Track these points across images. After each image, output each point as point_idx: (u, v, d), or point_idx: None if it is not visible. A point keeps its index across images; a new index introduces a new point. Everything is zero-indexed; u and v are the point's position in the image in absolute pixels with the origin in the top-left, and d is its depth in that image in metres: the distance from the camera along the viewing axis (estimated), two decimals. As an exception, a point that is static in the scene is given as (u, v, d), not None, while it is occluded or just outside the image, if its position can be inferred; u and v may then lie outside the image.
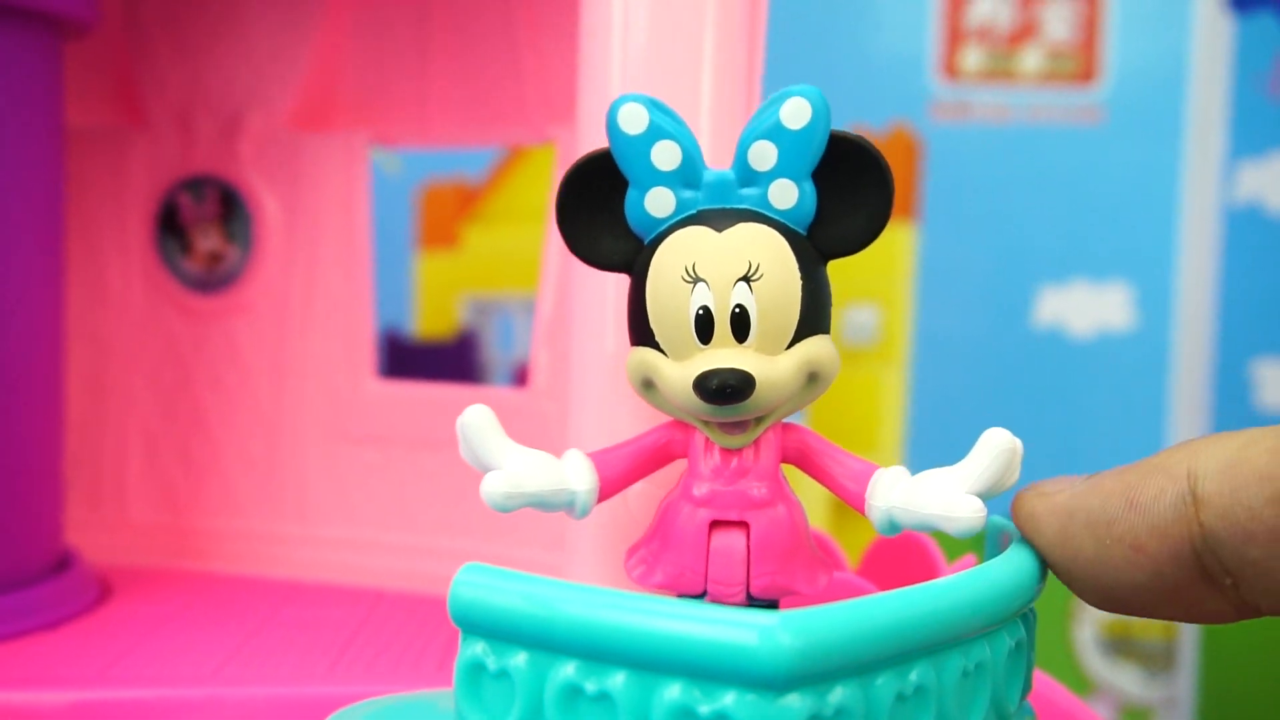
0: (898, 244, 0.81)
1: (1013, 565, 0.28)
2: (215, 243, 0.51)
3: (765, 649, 0.23)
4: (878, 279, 0.82)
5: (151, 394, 0.52)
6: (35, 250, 0.42)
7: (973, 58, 0.76)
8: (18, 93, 0.40)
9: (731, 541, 0.29)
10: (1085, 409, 0.84)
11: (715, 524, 0.29)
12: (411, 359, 0.86)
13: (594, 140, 0.32)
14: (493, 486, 0.29)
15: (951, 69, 0.76)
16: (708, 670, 0.23)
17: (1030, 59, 0.75)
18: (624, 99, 0.29)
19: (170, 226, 0.51)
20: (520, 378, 0.83)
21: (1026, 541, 0.28)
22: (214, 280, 0.51)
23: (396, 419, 0.49)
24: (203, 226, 0.51)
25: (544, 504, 0.30)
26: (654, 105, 0.29)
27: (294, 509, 0.51)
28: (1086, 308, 0.79)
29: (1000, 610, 0.27)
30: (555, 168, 0.46)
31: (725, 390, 0.27)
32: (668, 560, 0.30)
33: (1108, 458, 0.78)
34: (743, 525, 0.29)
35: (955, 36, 0.74)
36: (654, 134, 0.28)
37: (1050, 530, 0.27)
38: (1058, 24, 0.75)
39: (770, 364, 0.28)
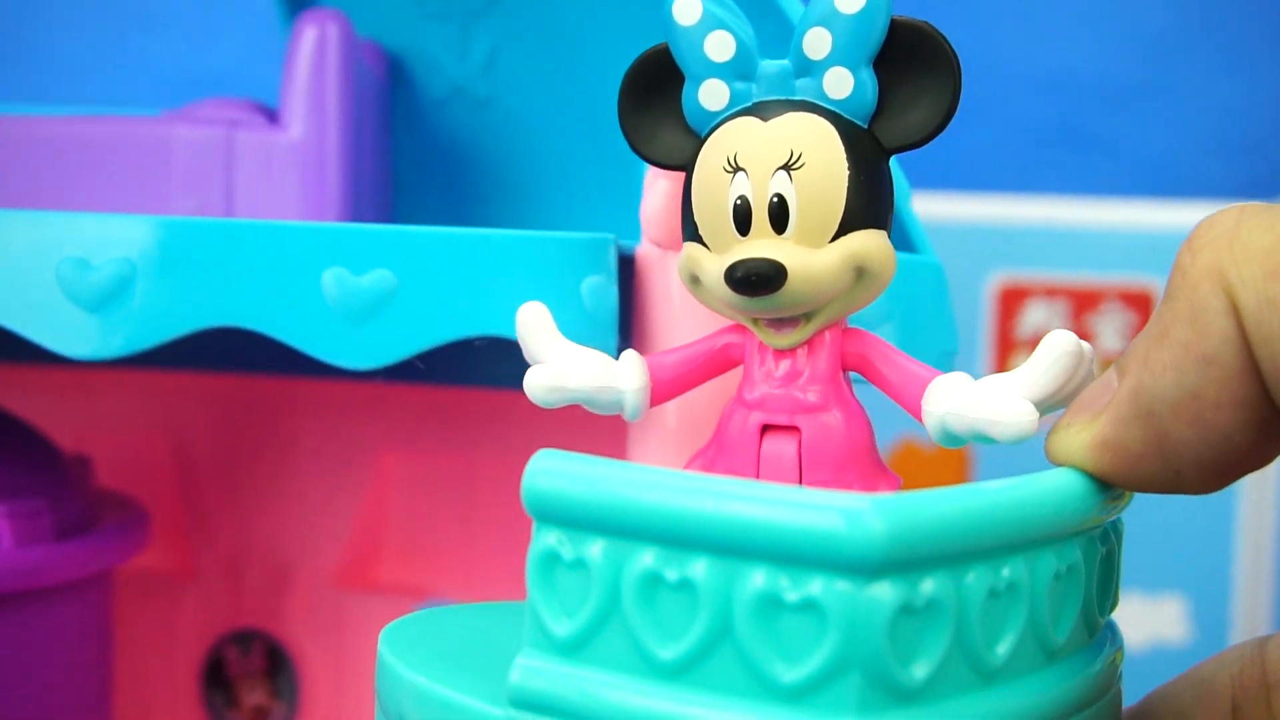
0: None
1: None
2: (261, 697, 0.50)
3: (855, 533, 0.22)
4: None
5: None
6: (82, 703, 0.42)
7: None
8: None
9: (781, 447, 0.28)
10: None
11: (767, 429, 0.28)
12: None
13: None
14: (535, 380, 0.29)
15: (1003, 380, 0.75)
16: (793, 556, 0.22)
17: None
18: (680, -11, 0.28)
19: (216, 679, 0.50)
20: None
21: (1102, 478, 0.26)
22: (260, 734, 0.50)
23: None
24: (249, 681, 0.50)
25: (590, 401, 0.29)
26: (710, -5, 0.28)
27: None
28: (1140, 620, 0.76)
29: (1094, 509, 0.26)
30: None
31: (751, 279, 0.26)
32: (721, 465, 0.29)
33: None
34: (794, 430, 0.28)
35: (1006, 346, 0.73)
36: (708, 24, 0.28)
37: (1138, 443, 0.25)
38: (1110, 334, 0.74)
39: (809, 255, 0.27)
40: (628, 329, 0.34)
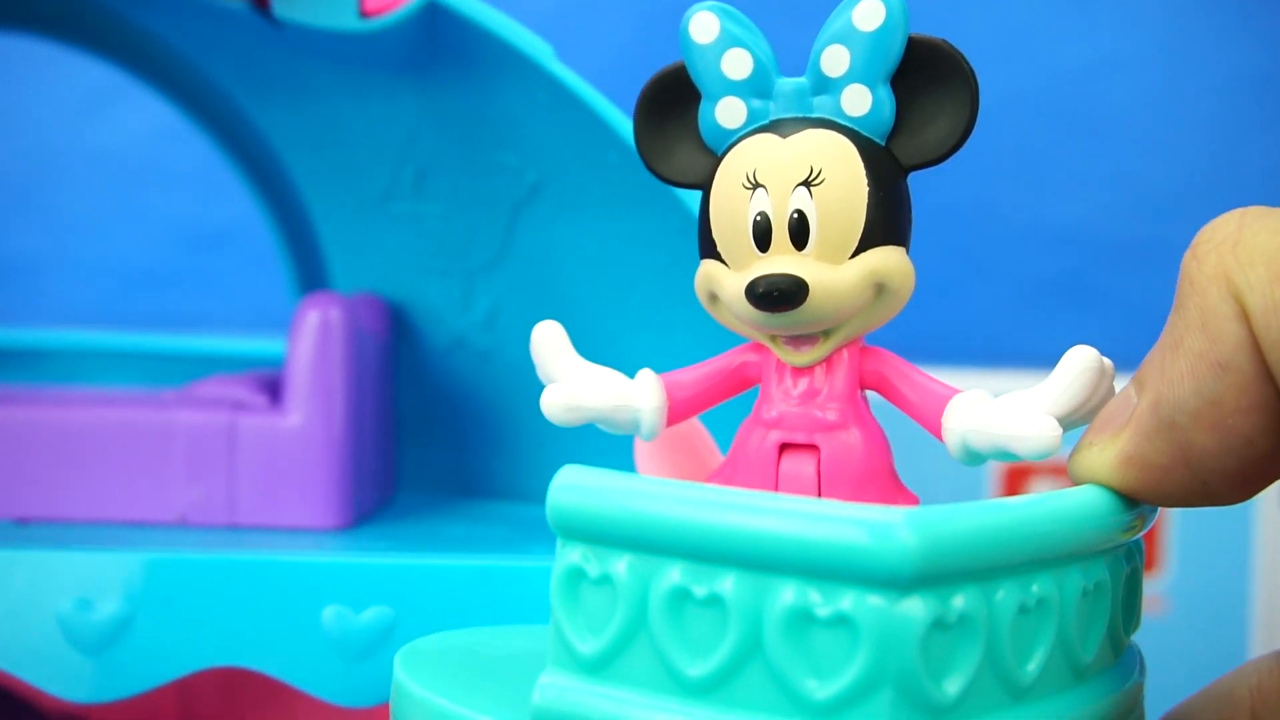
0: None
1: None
2: None
3: (887, 547, 0.21)
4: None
5: None
6: None
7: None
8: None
9: (800, 466, 0.28)
10: None
11: (785, 448, 0.28)
12: None
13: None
14: (553, 399, 0.28)
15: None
16: (824, 570, 0.22)
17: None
18: (696, 7, 0.28)
19: None
20: None
21: (1130, 495, 0.25)
22: None
23: None
24: None
25: (607, 421, 0.29)
26: (726, 13, 0.28)
27: None
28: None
29: (1121, 525, 0.26)
30: None
31: (773, 295, 0.26)
32: (738, 484, 0.28)
33: None
34: (813, 449, 0.28)
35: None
36: (725, 42, 0.28)
37: (1163, 456, 0.25)
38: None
39: (830, 271, 0.26)
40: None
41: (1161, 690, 0.29)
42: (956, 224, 0.73)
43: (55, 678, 0.33)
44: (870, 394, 0.28)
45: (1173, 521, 0.73)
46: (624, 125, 0.39)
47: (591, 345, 0.29)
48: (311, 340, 0.39)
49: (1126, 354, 0.27)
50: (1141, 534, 0.27)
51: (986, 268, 0.73)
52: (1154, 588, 0.73)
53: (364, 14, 0.40)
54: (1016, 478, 0.68)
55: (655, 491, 0.24)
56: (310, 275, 0.53)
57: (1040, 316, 0.73)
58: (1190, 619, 0.73)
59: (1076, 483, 0.26)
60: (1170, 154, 0.73)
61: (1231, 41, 0.73)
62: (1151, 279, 0.72)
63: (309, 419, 0.39)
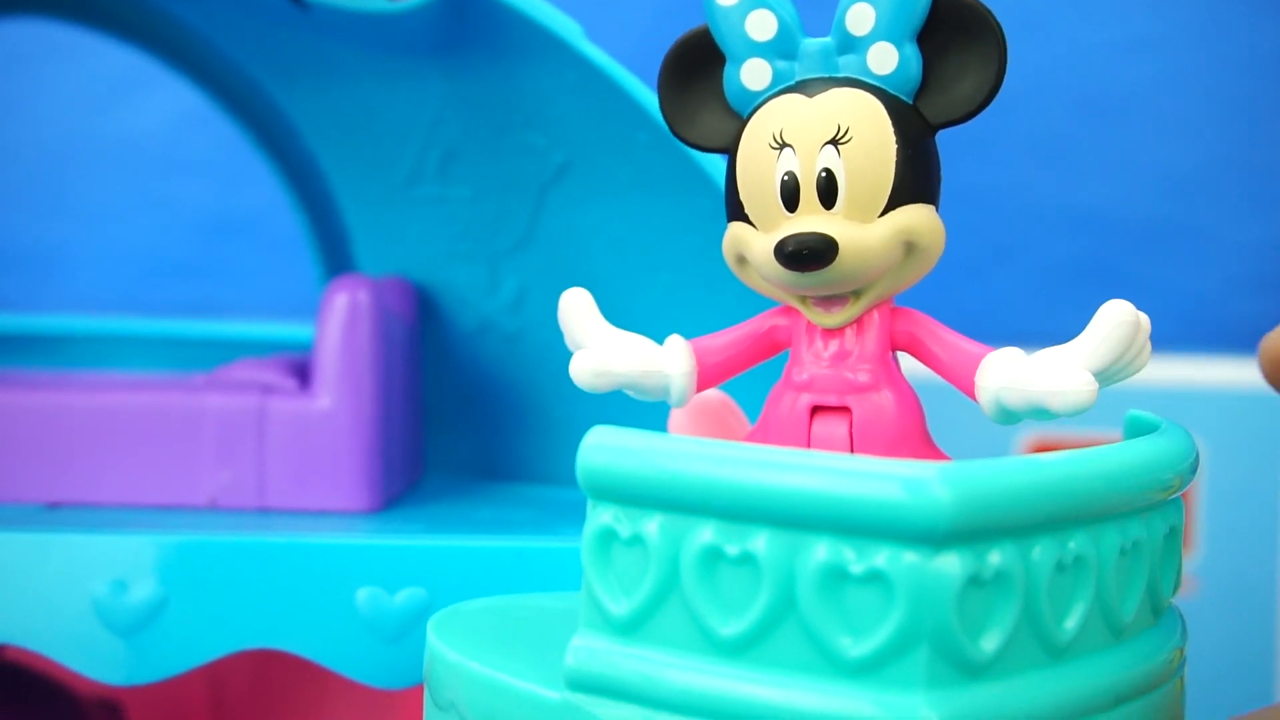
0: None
1: (1168, 439, 0.26)
2: None
3: (921, 503, 0.21)
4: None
5: None
6: None
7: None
8: None
9: (832, 428, 0.27)
10: None
11: (817, 410, 0.28)
12: None
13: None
14: (582, 364, 0.28)
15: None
16: (858, 527, 0.22)
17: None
18: (719, -28, 0.28)
19: None
20: None
21: None
22: None
23: None
24: None
25: (635, 387, 0.28)
26: (749, -26, 0.28)
27: None
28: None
29: (1158, 482, 0.25)
30: None
31: (803, 254, 0.26)
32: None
33: None
34: (845, 411, 0.27)
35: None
36: (748, 4, 0.27)
37: None
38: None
39: (859, 230, 0.26)
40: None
41: (1193, 667, 0.28)
42: (980, 207, 0.73)
43: (90, 660, 0.33)
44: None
45: (1201, 502, 0.72)
46: (653, 104, 0.39)
47: (619, 326, 0.29)
48: (340, 323, 0.39)
49: (1152, 336, 0.26)
50: (1180, 494, 0.27)
51: (1011, 251, 0.73)
52: (1184, 568, 0.72)
53: (392, -6, 0.40)
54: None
55: (686, 450, 0.23)
56: (336, 259, 0.53)
57: (1065, 299, 0.73)
58: (1220, 598, 0.72)
59: (1265, 362, 0.26)
60: (1195, 136, 0.73)
61: (1257, 22, 0.72)
62: (1177, 261, 0.72)
63: (338, 402, 0.39)
